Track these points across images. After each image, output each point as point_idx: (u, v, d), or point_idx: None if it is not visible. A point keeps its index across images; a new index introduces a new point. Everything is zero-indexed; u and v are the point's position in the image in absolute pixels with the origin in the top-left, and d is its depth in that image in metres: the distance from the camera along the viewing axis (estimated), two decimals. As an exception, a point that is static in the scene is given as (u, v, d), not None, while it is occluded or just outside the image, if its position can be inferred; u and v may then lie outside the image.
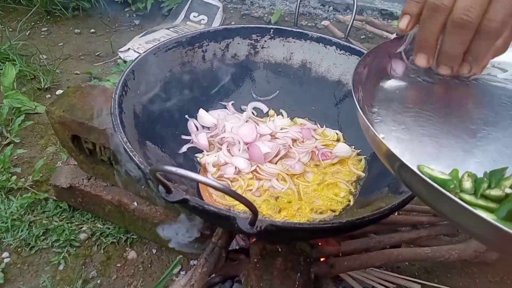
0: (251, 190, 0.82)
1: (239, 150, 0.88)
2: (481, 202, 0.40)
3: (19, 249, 1.08)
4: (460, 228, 0.38)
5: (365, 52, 0.65)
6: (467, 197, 0.40)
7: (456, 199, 0.34)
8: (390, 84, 0.59)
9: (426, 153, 0.47)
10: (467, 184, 0.42)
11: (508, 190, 0.40)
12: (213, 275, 0.83)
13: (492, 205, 0.40)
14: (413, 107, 0.54)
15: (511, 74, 0.60)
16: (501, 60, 0.59)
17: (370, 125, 0.44)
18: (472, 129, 0.50)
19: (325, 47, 0.96)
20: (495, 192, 0.40)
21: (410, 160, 0.39)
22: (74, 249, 1.09)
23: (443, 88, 0.57)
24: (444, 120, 0.52)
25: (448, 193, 0.34)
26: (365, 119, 0.45)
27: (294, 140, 0.93)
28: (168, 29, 2.02)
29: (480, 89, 0.58)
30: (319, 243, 0.86)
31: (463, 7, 0.44)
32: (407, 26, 0.51)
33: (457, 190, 0.41)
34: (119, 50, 1.86)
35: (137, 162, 0.60)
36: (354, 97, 0.50)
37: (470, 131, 0.50)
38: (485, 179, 0.42)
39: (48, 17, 2.17)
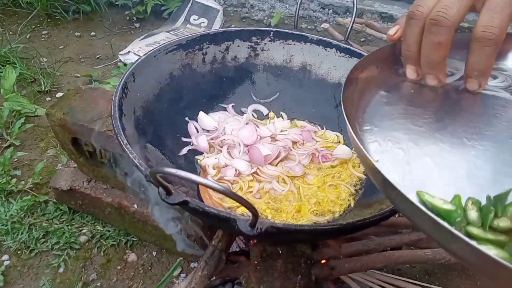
0: (251, 192, 0.82)
1: (240, 152, 0.88)
2: (490, 236, 0.37)
3: (19, 252, 1.08)
4: (468, 264, 0.35)
5: (365, 54, 0.63)
6: (474, 231, 0.37)
7: (466, 238, 0.30)
8: (379, 98, 0.56)
9: (423, 176, 0.44)
10: (473, 214, 0.38)
11: None
12: (214, 277, 0.83)
13: (501, 238, 0.36)
14: (405, 123, 0.51)
15: (502, 81, 0.57)
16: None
17: (362, 148, 0.41)
18: (468, 145, 0.48)
19: (325, 49, 0.96)
20: (504, 223, 0.37)
21: (408, 185, 0.36)
22: (74, 251, 1.09)
23: (433, 100, 0.55)
24: (439, 136, 0.49)
25: (456, 232, 0.31)
26: (357, 141, 0.42)
27: (294, 142, 0.93)
28: (168, 32, 2.02)
29: (471, 99, 0.55)
30: (320, 245, 0.86)
31: (440, 7, 0.44)
32: (394, 33, 0.52)
33: (463, 223, 0.37)
34: (120, 53, 1.87)
35: (137, 164, 0.60)
36: (344, 114, 0.46)
37: (466, 148, 0.47)
38: (491, 207, 0.39)
39: (49, 20, 2.18)
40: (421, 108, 0.53)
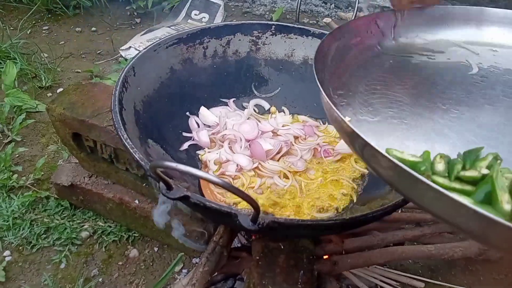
0: (253, 187, 0.82)
1: (241, 147, 0.87)
2: (455, 185, 0.36)
3: (20, 248, 1.08)
4: (435, 216, 0.35)
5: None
6: (440, 180, 0.37)
7: (428, 181, 0.31)
8: (356, 65, 0.56)
9: (395, 136, 0.44)
10: (440, 166, 0.38)
11: (484, 171, 0.36)
12: (215, 273, 0.82)
13: (468, 187, 0.36)
14: (381, 88, 0.51)
15: (483, 56, 0.58)
16: (473, 40, 0.58)
17: (333, 106, 0.41)
18: (444, 109, 0.48)
19: (327, 43, 0.95)
20: (470, 173, 0.37)
21: (379, 144, 0.35)
22: (76, 247, 1.08)
23: (411, 68, 0.55)
24: (414, 102, 0.49)
25: (419, 176, 0.31)
26: (328, 100, 0.42)
27: (296, 137, 0.92)
28: (169, 27, 2.01)
29: (451, 69, 0.55)
30: (322, 241, 0.86)
31: None
32: None
33: (429, 172, 0.37)
34: (120, 48, 1.86)
35: (138, 158, 0.60)
36: (316, 78, 0.47)
37: (441, 112, 0.48)
38: (459, 160, 0.39)
39: (49, 15, 2.17)
40: (397, 78, 0.54)
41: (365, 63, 0.56)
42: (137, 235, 1.11)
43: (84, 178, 1.08)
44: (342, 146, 0.89)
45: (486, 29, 0.61)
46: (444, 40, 0.60)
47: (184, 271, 1.05)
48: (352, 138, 0.39)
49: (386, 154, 0.34)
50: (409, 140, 0.44)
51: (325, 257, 0.84)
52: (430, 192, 0.31)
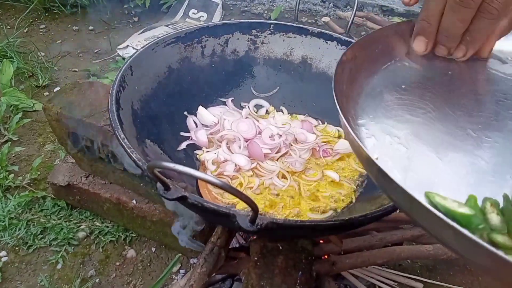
0: (251, 187, 0.81)
1: (240, 147, 0.87)
2: None
3: (16, 248, 1.07)
4: (491, 275, 0.30)
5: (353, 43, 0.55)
6: (500, 238, 0.31)
7: (494, 250, 0.25)
8: (371, 87, 0.50)
9: (428, 173, 0.39)
10: (494, 217, 0.33)
11: None
12: (213, 274, 0.82)
13: None
14: (402, 113, 0.45)
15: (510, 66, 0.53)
16: (500, 48, 0.53)
17: (361, 144, 0.36)
18: (475, 137, 0.42)
19: (326, 42, 0.95)
20: None
21: (413, 185, 0.31)
22: (73, 247, 1.08)
23: (429, 87, 0.50)
24: (441, 128, 0.43)
25: (480, 241, 0.26)
26: (354, 135, 0.37)
27: (294, 138, 0.92)
28: (167, 26, 2.00)
29: (473, 85, 0.50)
30: (321, 241, 0.85)
31: None
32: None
33: (486, 230, 0.32)
34: (118, 47, 1.85)
35: (135, 159, 0.59)
36: (338, 107, 0.41)
37: (472, 141, 0.42)
38: None
39: (46, 14, 2.15)
40: (417, 97, 0.48)
41: (380, 80, 0.52)
42: (135, 235, 1.11)
43: (81, 178, 1.07)
44: (341, 146, 0.89)
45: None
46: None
47: (182, 271, 1.04)
48: (386, 184, 0.34)
49: (439, 213, 0.28)
50: (444, 175, 0.39)
51: (323, 257, 0.83)
52: (495, 259, 0.26)
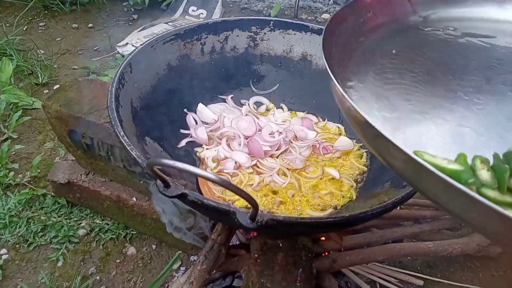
0: (251, 185, 0.81)
1: (240, 144, 0.87)
2: (508, 198, 0.31)
3: (17, 246, 1.07)
4: (479, 230, 0.30)
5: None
6: (490, 193, 0.31)
7: (485, 201, 0.25)
8: (361, 51, 0.49)
9: (419, 134, 0.39)
10: (484, 174, 0.33)
11: None
12: (213, 271, 0.82)
13: None
14: (392, 77, 0.45)
15: (499, 36, 0.52)
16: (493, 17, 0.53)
17: (351, 102, 0.35)
18: (466, 99, 0.42)
19: (326, 39, 0.94)
20: None
21: (403, 144, 0.30)
22: (73, 245, 1.08)
23: (420, 53, 0.49)
24: (431, 91, 0.43)
25: (471, 193, 0.26)
26: (344, 94, 0.36)
27: (294, 135, 0.91)
28: (166, 23, 1.99)
29: (464, 51, 0.49)
30: (321, 238, 0.85)
31: None
32: None
33: (477, 185, 0.31)
34: (117, 44, 1.84)
35: (135, 156, 0.59)
36: (327, 66, 0.40)
37: (464, 103, 0.42)
38: (505, 165, 0.32)
39: (46, 12, 2.15)
40: (408, 61, 0.48)
41: (370, 45, 0.50)
42: (135, 232, 1.11)
43: (81, 175, 1.07)
44: (341, 143, 0.88)
45: (509, 7, 0.54)
46: (459, 17, 0.54)
47: (182, 268, 1.04)
48: (377, 141, 0.33)
49: (429, 166, 0.28)
50: (436, 137, 0.39)
51: (324, 254, 0.83)
52: (484, 210, 0.25)
